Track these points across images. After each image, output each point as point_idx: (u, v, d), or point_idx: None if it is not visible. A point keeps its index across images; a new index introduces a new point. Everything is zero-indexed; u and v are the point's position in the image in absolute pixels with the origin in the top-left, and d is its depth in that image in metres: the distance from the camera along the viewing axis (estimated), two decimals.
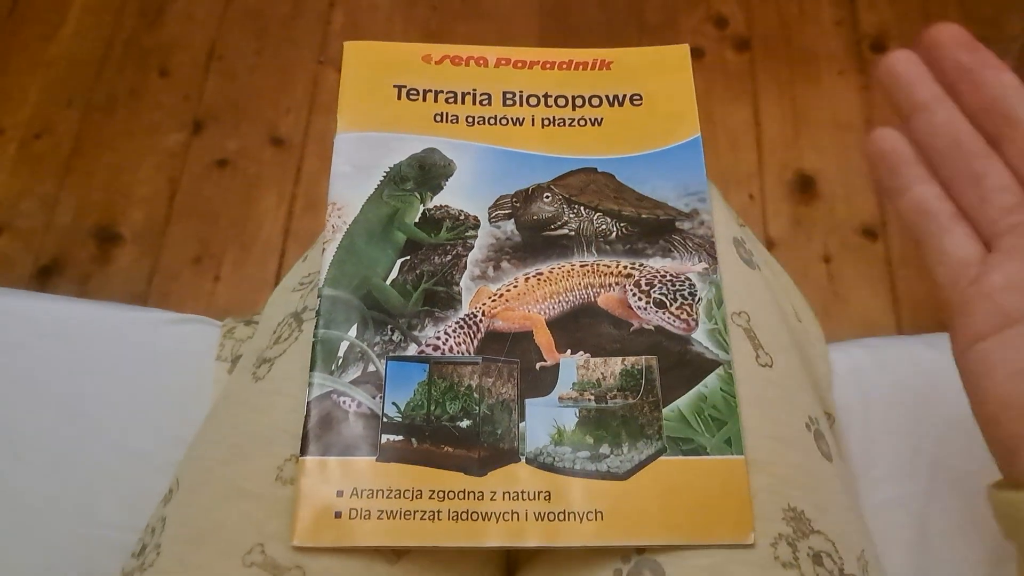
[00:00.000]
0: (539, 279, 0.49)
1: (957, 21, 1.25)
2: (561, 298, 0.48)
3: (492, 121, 0.54)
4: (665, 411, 0.45)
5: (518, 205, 0.51)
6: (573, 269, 0.49)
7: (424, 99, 0.54)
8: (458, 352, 0.47)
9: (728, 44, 1.41)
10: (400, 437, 0.45)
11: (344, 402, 0.45)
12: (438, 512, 0.43)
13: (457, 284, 0.49)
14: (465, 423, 0.45)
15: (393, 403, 0.45)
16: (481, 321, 0.48)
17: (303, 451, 0.44)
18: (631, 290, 0.48)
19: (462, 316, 0.48)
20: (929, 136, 0.36)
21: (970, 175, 0.35)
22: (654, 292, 0.48)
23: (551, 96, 0.55)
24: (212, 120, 1.36)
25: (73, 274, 1.24)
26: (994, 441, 0.35)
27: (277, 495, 0.44)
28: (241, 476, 0.46)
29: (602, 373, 0.46)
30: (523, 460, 0.44)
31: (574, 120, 0.54)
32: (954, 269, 0.36)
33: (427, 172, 0.52)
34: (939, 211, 0.36)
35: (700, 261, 0.50)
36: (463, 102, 0.54)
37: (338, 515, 0.43)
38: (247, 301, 1.21)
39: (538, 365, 0.47)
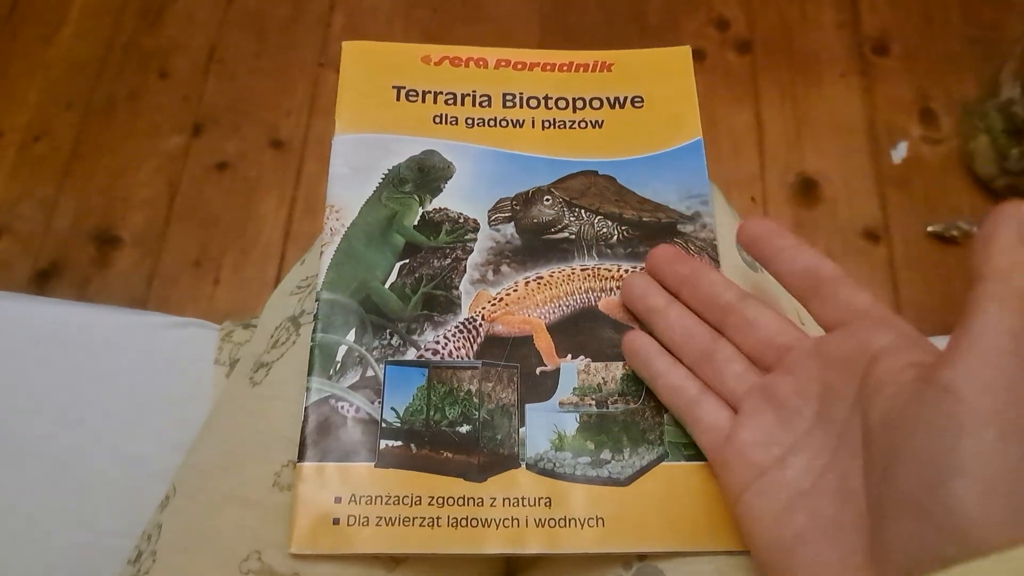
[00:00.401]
0: (539, 283, 0.49)
1: (959, 23, 1.25)
2: (561, 302, 0.48)
3: (492, 123, 0.53)
4: (666, 416, 0.45)
5: (518, 208, 0.51)
6: (573, 273, 0.49)
7: (423, 100, 0.54)
8: (457, 357, 0.46)
9: (729, 46, 1.40)
10: (399, 442, 0.44)
11: (342, 407, 0.45)
12: (437, 518, 0.42)
13: (456, 288, 0.49)
14: (465, 428, 0.45)
15: (392, 408, 0.45)
16: (481, 325, 0.47)
17: (301, 457, 0.44)
18: None
19: (461, 320, 0.48)
20: (667, 332, 0.44)
21: (704, 355, 0.43)
22: None
23: (551, 98, 0.54)
24: (212, 122, 1.35)
25: (72, 277, 1.24)
26: None
27: (274, 501, 0.44)
28: (238, 483, 0.45)
29: (603, 378, 0.46)
30: (523, 466, 0.44)
31: (575, 122, 0.54)
32: (710, 435, 0.41)
33: (426, 174, 0.51)
34: (688, 388, 0.43)
35: None
36: (463, 103, 0.54)
37: (336, 522, 0.42)
38: (247, 304, 1.21)
39: (538, 370, 0.46)
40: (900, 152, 1.30)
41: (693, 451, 0.44)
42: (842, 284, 0.39)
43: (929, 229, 1.24)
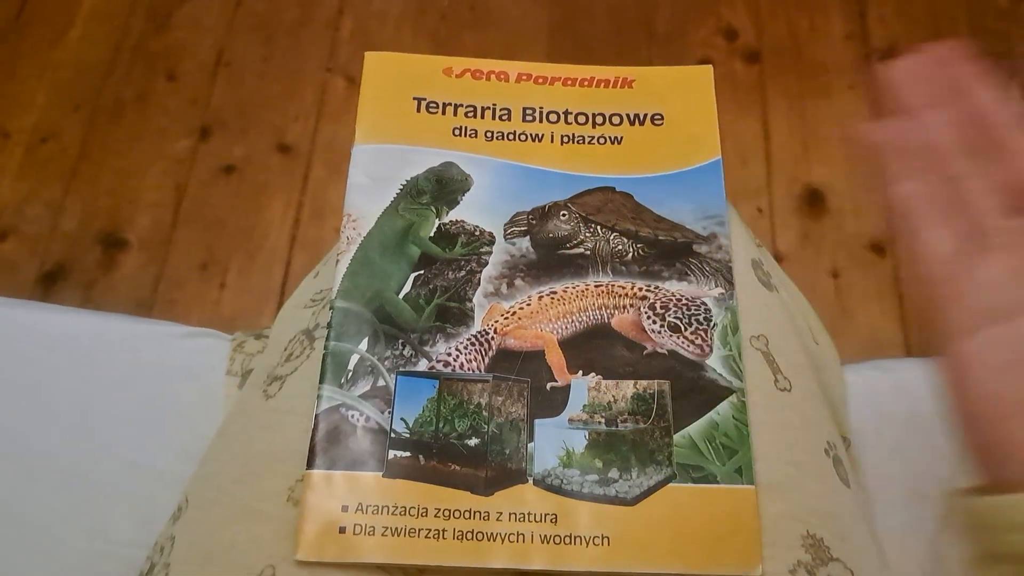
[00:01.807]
0: (553, 298, 0.48)
1: (966, 35, 1.25)
2: (574, 318, 0.48)
3: (511, 137, 0.53)
4: (676, 437, 0.45)
5: (534, 222, 0.51)
6: (587, 289, 0.49)
7: (443, 112, 0.54)
8: (469, 369, 0.47)
9: (738, 56, 1.40)
10: (407, 453, 0.44)
11: (352, 416, 0.45)
12: (443, 531, 0.42)
13: (470, 300, 0.49)
14: (473, 441, 0.45)
15: (402, 419, 0.45)
16: (493, 339, 0.47)
17: (309, 464, 0.44)
18: (646, 313, 0.48)
19: (474, 333, 0.48)
20: (926, 135, 0.37)
21: (962, 174, 0.36)
22: (669, 316, 0.48)
23: (571, 113, 0.54)
24: (219, 126, 1.35)
25: (78, 280, 1.23)
26: (979, 442, 0.35)
27: (288, 516, 0.43)
28: (251, 496, 0.45)
29: (613, 396, 0.46)
30: (530, 481, 0.44)
31: (594, 138, 0.54)
32: (938, 263, 0.36)
33: (444, 186, 0.51)
34: (926, 205, 0.37)
35: (716, 286, 0.49)
36: (482, 116, 0.54)
37: (342, 530, 0.42)
38: (253, 309, 1.21)
39: (549, 385, 0.46)
40: None
41: (701, 473, 0.44)
42: None
43: None
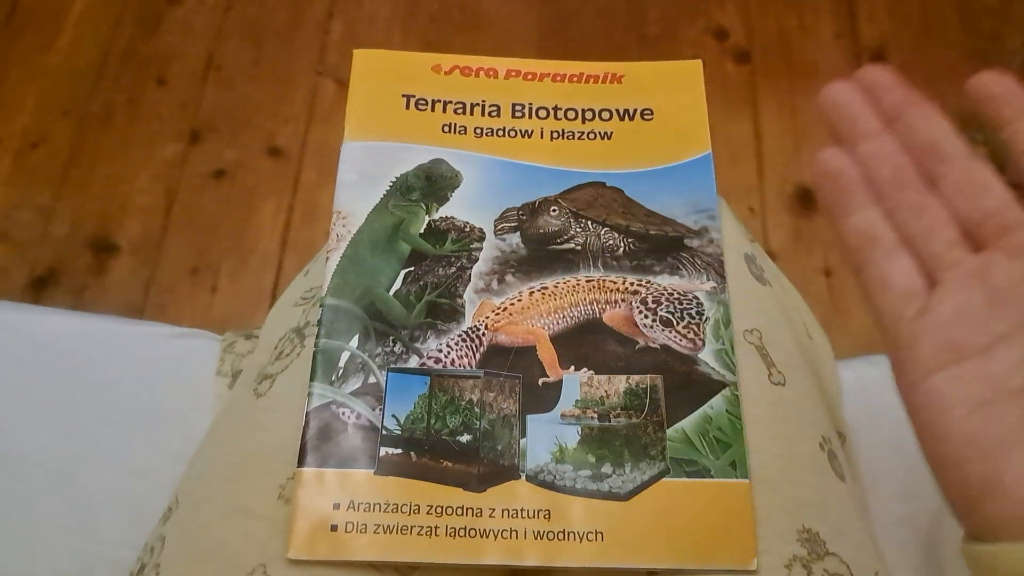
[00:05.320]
0: (544, 293, 0.48)
1: (957, 34, 1.24)
2: (565, 313, 0.48)
3: (500, 133, 0.53)
4: (669, 432, 0.45)
5: (524, 218, 0.51)
6: (578, 284, 0.49)
7: (432, 109, 0.54)
8: (460, 365, 0.46)
9: (728, 56, 1.40)
10: (399, 450, 0.44)
11: (343, 413, 0.45)
12: (435, 528, 0.42)
13: (461, 296, 0.48)
14: (465, 438, 0.44)
15: (393, 415, 0.45)
16: (484, 335, 0.47)
17: (301, 462, 0.44)
18: (637, 307, 0.48)
19: (465, 329, 0.47)
20: (873, 165, 0.36)
21: (913, 207, 0.35)
22: (660, 310, 0.48)
23: (561, 109, 0.54)
24: (210, 130, 1.35)
25: (69, 285, 1.23)
26: (954, 485, 0.33)
27: (279, 514, 0.43)
28: (242, 495, 0.45)
29: (606, 391, 0.46)
30: (523, 477, 0.44)
31: (583, 133, 0.54)
32: (898, 298, 0.35)
33: (434, 183, 0.51)
34: (884, 238, 0.35)
35: (708, 280, 0.49)
36: (472, 113, 0.54)
37: (334, 528, 0.42)
38: (244, 312, 1.20)
39: (541, 381, 0.46)
40: None
41: (695, 467, 0.44)
42: None
43: None
